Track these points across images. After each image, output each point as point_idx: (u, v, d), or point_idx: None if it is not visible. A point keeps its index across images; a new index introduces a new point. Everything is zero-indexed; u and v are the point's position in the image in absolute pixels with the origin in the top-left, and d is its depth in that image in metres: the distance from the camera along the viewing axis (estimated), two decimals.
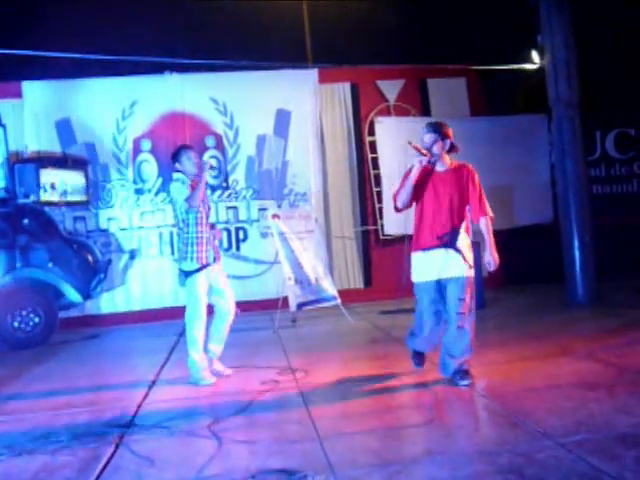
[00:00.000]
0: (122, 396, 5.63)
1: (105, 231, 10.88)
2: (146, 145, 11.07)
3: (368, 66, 11.91)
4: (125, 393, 5.75)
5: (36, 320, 8.90)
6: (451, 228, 5.16)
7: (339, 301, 9.34)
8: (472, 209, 5.22)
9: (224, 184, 11.21)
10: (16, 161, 10.01)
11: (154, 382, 6.11)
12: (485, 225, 5.24)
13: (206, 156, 10.71)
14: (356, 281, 11.64)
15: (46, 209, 9.66)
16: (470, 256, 5.19)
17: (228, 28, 14.26)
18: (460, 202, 5.20)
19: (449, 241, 5.14)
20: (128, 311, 10.81)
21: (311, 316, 9.50)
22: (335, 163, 11.66)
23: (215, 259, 6.01)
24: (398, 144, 10.64)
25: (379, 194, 11.41)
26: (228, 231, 11.14)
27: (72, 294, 9.29)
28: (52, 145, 10.72)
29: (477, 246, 6.78)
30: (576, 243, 9.39)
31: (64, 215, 10.54)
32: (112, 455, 4.02)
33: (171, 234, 10.93)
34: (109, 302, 10.78)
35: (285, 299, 9.18)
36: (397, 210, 5.39)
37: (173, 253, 10.90)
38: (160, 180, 11.02)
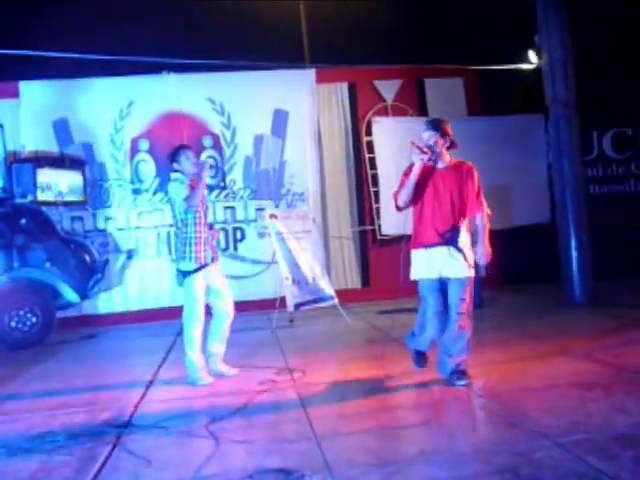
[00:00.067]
0: (119, 396, 5.63)
1: (103, 231, 10.88)
2: (144, 145, 11.07)
3: (365, 66, 11.91)
4: (122, 393, 5.75)
5: (33, 320, 8.89)
6: (452, 225, 5.15)
7: (337, 301, 9.34)
8: (469, 204, 5.19)
9: (221, 184, 11.21)
10: (13, 161, 10.01)
11: (151, 382, 6.11)
12: (481, 220, 5.21)
13: (203, 156, 10.71)
14: (353, 281, 11.65)
15: (43, 209, 9.66)
16: (471, 256, 5.18)
17: (225, 28, 14.24)
18: (460, 199, 5.18)
19: (451, 238, 5.13)
20: (125, 311, 10.81)
21: (309, 316, 9.50)
22: (332, 163, 11.66)
23: (213, 259, 6.01)
24: (395, 144, 10.67)
25: (376, 194, 11.41)
26: (225, 231, 11.13)
27: (69, 294, 9.28)
28: (49, 145, 10.71)
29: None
30: (573, 243, 9.40)
31: (62, 215, 10.54)
32: (109, 455, 4.02)
33: (168, 234, 10.93)
34: (106, 302, 10.78)
35: (282, 299, 9.18)
36: (398, 209, 5.34)
37: (170, 253, 10.89)
38: (158, 180, 11.02)
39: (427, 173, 5.20)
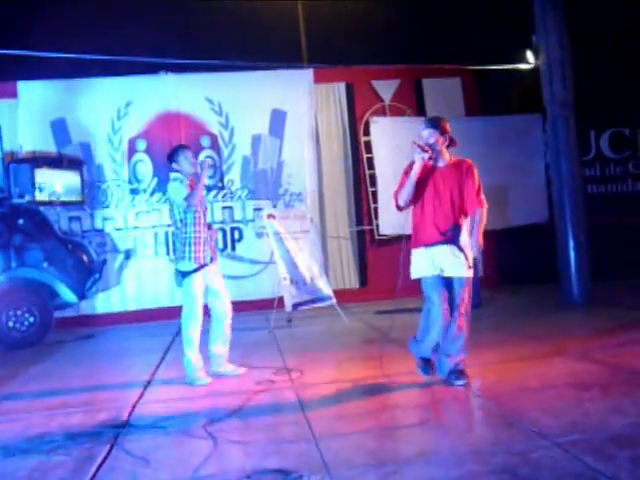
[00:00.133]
0: (117, 396, 5.63)
1: (100, 231, 10.87)
2: (141, 145, 11.06)
3: (363, 66, 11.91)
4: (120, 393, 5.75)
5: (31, 320, 8.88)
6: (454, 224, 5.13)
7: (334, 301, 9.35)
8: (470, 202, 5.15)
9: (219, 184, 11.20)
10: (11, 161, 10.00)
11: (149, 382, 6.11)
12: (479, 214, 5.16)
13: (201, 156, 10.69)
14: (351, 281, 11.65)
15: (41, 209, 9.65)
16: (471, 256, 5.17)
17: (223, 28, 14.26)
18: (461, 197, 5.16)
19: (452, 237, 5.10)
20: (123, 311, 10.80)
21: (306, 316, 9.50)
22: (330, 163, 11.66)
23: (212, 259, 6.01)
24: (393, 144, 10.68)
25: (374, 194, 11.41)
26: (223, 231, 11.13)
27: (67, 294, 9.27)
28: (47, 145, 10.70)
29: None
30: (571, 243, 9.40)
31: (59, 215, 10.53)
32: (107, 455, 4.02)
33: (166, 234, 10.93)
34: (104, 302, 10.78)
35: (280, 299, 9.18)
36: (399, 209, 5.31)
37: (168, 253, 10.90)
38: (155, 180, 11.02)
39: (427, 172, 5.17)
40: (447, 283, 5.13)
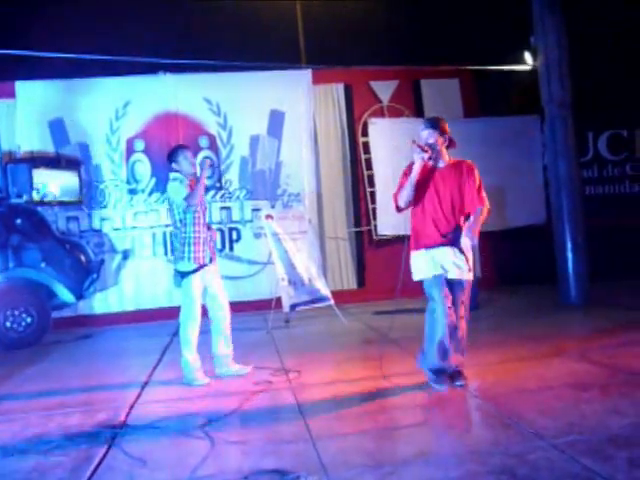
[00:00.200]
0: (115, 397, 5.62)
1: (98, 231, 10.86)
2: (139, 145, 11.05)
3: (362, 67, 11.91)
4: (118, 394, 5.74)
5: (29, 320, 8.87)
6: (454, 225, 5.08)
7: (332, 302, 9.34)
8: (471, 201, 5.09)
9: (217, 184, 11.19)
10: (9, 161, 9.99)
11: (147, 383, 6.10)
12: (480, 211, 5.09)
13: (200, 156, 10.68)
14: (349, 282, 11.65)
15: (39, 209, 9.64)
16: (471, 258, 5.13)
17: (222, 29, 14.26)
18: (461, 198, 5.10)
19: (453, 239, 5.05)
20: (121, 311, 10.79)
21: (304, 317, 9.50)
22: (328, 164, 11.66)
23: (211, 259, 6.01)
24: (392, 145, 10.68)
25: (372, 195, 11.42)
26: (221, 231, 11.12)
27: (65, 294, 9.26)
28: (45, 145, 10.69)
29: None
30: (569, 244, 9.41)
31: (57, 215, 10.52)
32: (104, 456, 4.02)
33: (164, 234, 10.93)
34: (102, 302, 10.76)
35: (278, 300, 9.17)
36: (399, 210, 5.25)
37: (166, 253, 10.90)
38: (153, 180, 11.01)
39: (427, 173, 5.12)
40: (448, 285, 5.08)
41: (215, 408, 4.95)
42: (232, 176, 11.27)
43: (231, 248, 11.20)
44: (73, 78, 10.82)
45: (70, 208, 10.58)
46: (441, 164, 5.17)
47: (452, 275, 5.06)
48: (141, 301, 10.85)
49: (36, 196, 9.68)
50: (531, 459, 3.45)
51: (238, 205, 11.27)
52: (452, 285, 5.09)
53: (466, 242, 5.08)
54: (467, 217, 5.14)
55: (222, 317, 6.04)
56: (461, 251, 5.06)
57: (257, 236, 11.12)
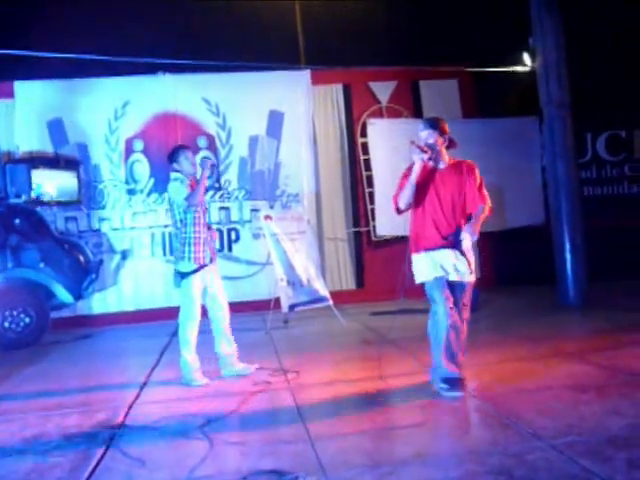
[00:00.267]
0: (113, 397, 5.62)
1: (97, 231, 10.85)
2: (138, 145, 11.04)
3: (360, 68, 11.91)
4: (117, 394, 5.74)
5: (27, 320, 8.86)
6: (455, 227, 5.00)
7: (331, 302, 9.34)
8: (471, 199, 5.03)
9: (216, 185, 11.17)
10: (8, 161, 9.98)
11: (146, 383, 6.10)
12: (481, 209, 5.03)
13: (199, 157, 10.68)
14: (348, 282, 11.65)
15: (38, 209, 9.64)
16: (473, 260, 5.08)
17: (221, 29, 14.25)
18: (462, 199, 5.04)
19: (454, 241, 4.98)
20: (120, 311, 10.78)
21: (303, 317, 9.49)
22: (327, 164, 11.66)
23: (211, 260, 6.01)
24: (390, 145, 10.68)
25: (371, 195, 11.41)
26: (220, 232, 11.11)
27: (63, 294, 9.26)
28: (44, 145, 10.68)
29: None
30: (567, 245, 9.41)
31: (56, 215, 10.51)
32: (103, 456, 4.02)
33: (163, 234, 10.93)
34: (101, 302, 10.75)
35: (277, 300, 9.17)
36: (399, 212, 5.17)
37: (165, 254, 10.89)
38: (152, 181, 11.00)
39: (427, 174, 5.05)
40: (449, 287, 5.02)
41: (214, 409, 4.95)
42: (231, 176, 11.26)
43: (230, 248, 11.19)
44: (72, 78, 10.81)
45: (69, 208, 10.56)
46: (441, 165, 5.11)
47: (453, 277, 5.01)
48: (140, 301, 10.84)
49: (40, 195, 9.68)
50: (529, 460, 3.45)
51: (237, 205, 11.26)
52: (453, 287, 5.04)
53: (467, 243, 5.01)
54: (468, 218, 5.07)
55: (222, 317, 6.05)
56: (462, 253, 5.00)
57: (256, 236, 11.12)
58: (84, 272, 9.48)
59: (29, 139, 10.63)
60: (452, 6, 14.09)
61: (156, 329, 9.45)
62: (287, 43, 14.99)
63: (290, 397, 5.19)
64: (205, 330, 6.12)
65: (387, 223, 10.71)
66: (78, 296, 9.49)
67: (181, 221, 5.94)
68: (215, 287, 6.04)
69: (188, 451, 4.02)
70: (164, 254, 10.92)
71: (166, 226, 10.69)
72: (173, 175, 6.03)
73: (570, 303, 9.32)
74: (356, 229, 11.68)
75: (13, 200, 9.38)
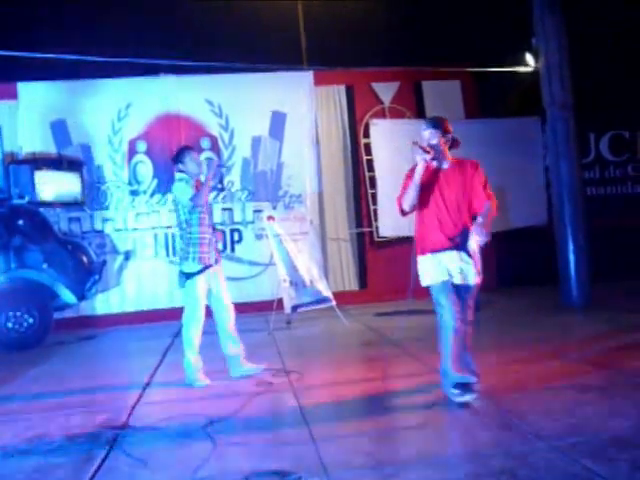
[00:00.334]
0: (116, 397, 5.63)
1: (100, 232, 10.87)
2: (141, 146, 11.06)
3: (363, 68, 11.91)
4: (120, 394, 5.74)
5: (30, 321, 8.87)
6: (461, 228, 4.89)
7: (334, 303, 9.34)
8: (476, 197, 4.92)
9: (219, 186, 11.20)
10: (11, 162, 10.00)
11: (148, 383, 6.11)
12: (488, 207, 4.90)
13: (201, 158, 10.69)
14: (351, 283, 11.65)
15: (41, 210, 9.65)
16: (479, 261, 4.98)
17: (223, 30, 14.26)
18: (467, 199, 4.92)
19: (460, 243, 4.87)
20: (123, 312, 10.80)
21: (306, 318, 9.49)
22: (330, 165, 11.66)
23: (216, 261, 6.02)
24: (393, 146, 10.67)
25: (374, 196, 11.40)
26: (223, 233, 11.11)
27: (67, 295, 9.27)
28: (47, 146, 10.71)
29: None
30: (570, 245, 9.40)
31: (59, 216, 10.53)
32: (106, 457, 4.02)
33: (166, 235, 10.95)
34: (104, 303, 10.77)
35: (280, 301, 9.17)
36: (403, 214, 5.07)
37: (168, 255, 10.91)
38: (155, 182, 11.02)
39: (431, 174, 4.95)
40: (455, 289, 4.92)
41: (217, 409, 4.95)
42: (234, 177, 11.28)
43: (232, 249, 11.20)
44: (75, 79, 10.84)
45: (72, 209, 10.59)
46: (445, 165, 5.00)
47: (458, 280, 4.90)
48: (143, 302, 10.86)
49: (43, 196, 9.70)
50: (532, 460, 3.45)
51: (240, 206, 11.27)
52: (459, 289, 4.95)
53: (473, 245, 4.88)
54: (474, 219, 4.95)
55: (227, 318, 6.04)
56: (469, 254, 4.90)
57: (259, 237, 11.13)
58: (87, 273, 9.49)
59: (32, 140, 10.65)
60: (453, 6, 14.08)
61: (159, 330, 9.47)
62: (289, 44, 14.99)
63: (293, 398, 5.19)
64: (210, 331, 6.11)
65: (390, 224, 10.70)
66: (81, 297, 9.50)
67: (186, 222, 5.95)
68: (220, 288, 6.04)
69: (191, 452, 4.02)
70: (167, 255, 10.94)
71: (169, 227, 10.71)
72: (178, 176, 6.04)
73: (573, 304, 9.31)
74: (359, 230, 11.68)
75: (16, 201, 9.39)
